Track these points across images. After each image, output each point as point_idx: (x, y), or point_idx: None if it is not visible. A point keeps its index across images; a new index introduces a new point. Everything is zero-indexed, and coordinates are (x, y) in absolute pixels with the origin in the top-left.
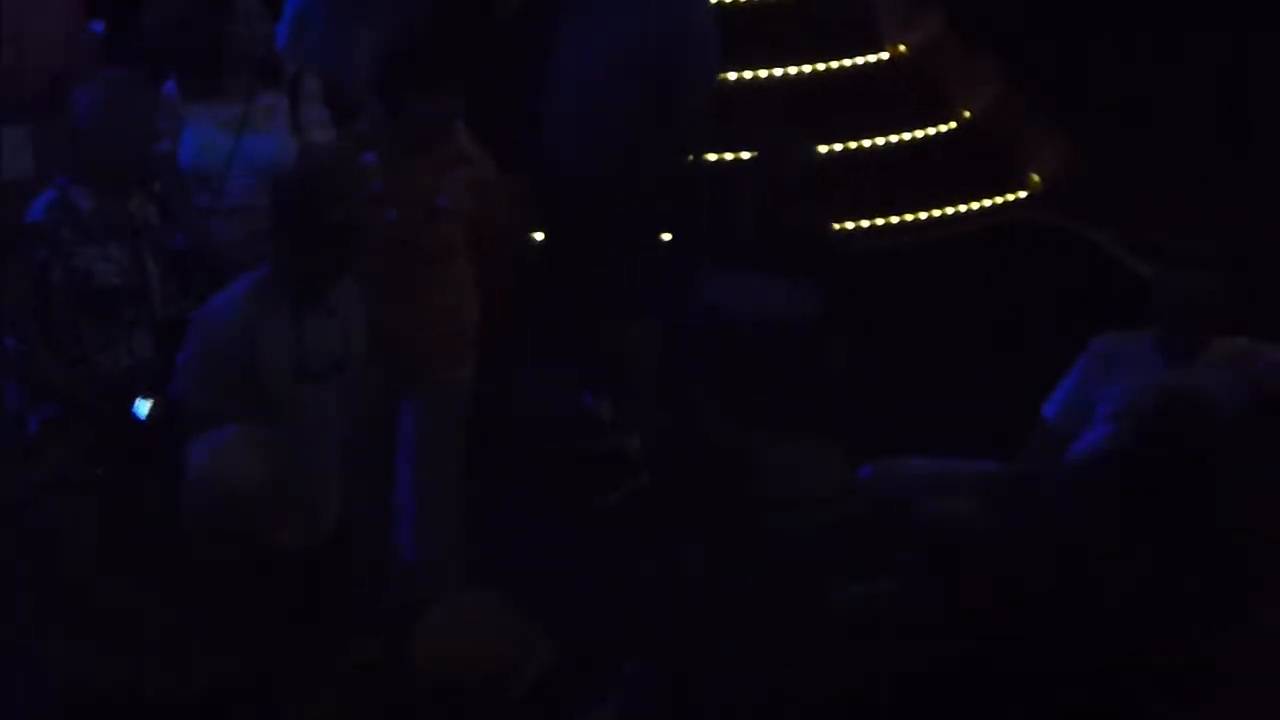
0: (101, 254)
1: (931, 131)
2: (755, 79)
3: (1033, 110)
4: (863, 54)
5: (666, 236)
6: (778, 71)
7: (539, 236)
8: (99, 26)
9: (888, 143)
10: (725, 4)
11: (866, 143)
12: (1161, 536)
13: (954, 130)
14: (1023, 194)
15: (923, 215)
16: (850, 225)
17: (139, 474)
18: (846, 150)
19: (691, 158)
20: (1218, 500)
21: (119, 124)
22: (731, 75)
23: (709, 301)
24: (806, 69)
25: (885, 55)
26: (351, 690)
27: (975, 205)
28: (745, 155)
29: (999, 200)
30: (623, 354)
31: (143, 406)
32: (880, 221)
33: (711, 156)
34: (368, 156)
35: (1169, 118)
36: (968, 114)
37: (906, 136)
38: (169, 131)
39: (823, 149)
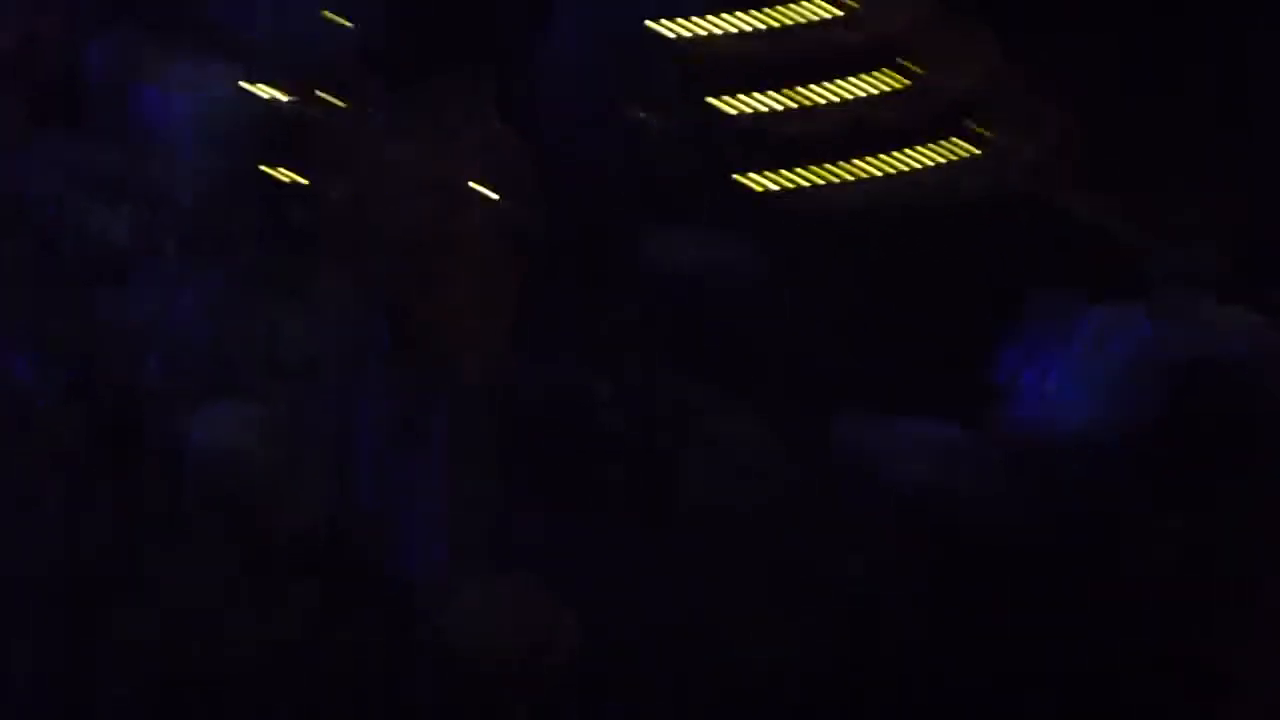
0: (113, 215)
1: (924, 102)
2: (723, 36)
3: (1031, 83)
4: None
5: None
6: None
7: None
8: None
9: (857, 108)
10: None
11: (833, 107)
12: (1190, 507)
13: (948, 101)
14: (1012, 164)
15: (880, 173)
16: (820, 182)
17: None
18: (811, 111)
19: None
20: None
21: (133, 81)
22: (692, 32)
23: (655, 260)
24: (787, 39)
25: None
26: (390, 667)
27: (965, 176)
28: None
29: (985, 167)
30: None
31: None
32: (849, 178)
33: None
34: (390, 150)
35: (1167, 91)
36: (957, 86)
37: (898, 106)
38: (124, 93)
39: (791, 104)
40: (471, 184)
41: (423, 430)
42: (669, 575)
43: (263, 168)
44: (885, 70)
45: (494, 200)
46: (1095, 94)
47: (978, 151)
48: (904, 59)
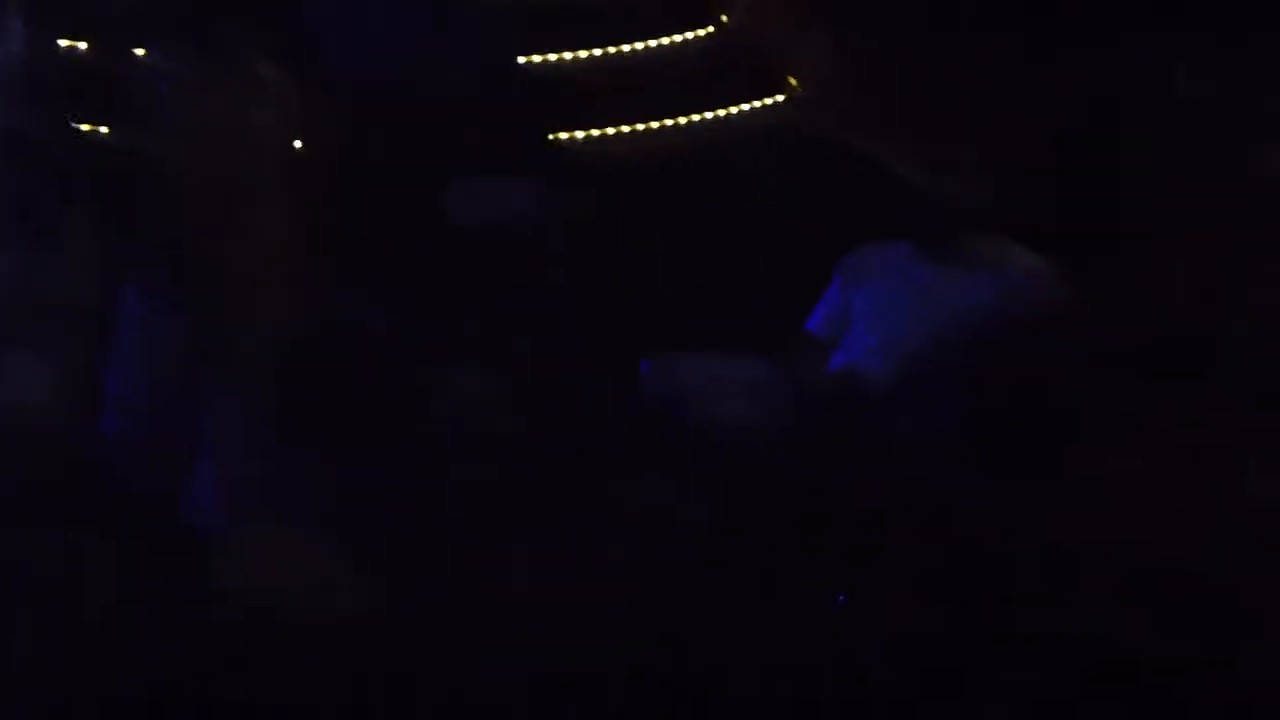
0: None
1: (689, 36)
2: None
3: (802, 15)
4: None
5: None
6: None
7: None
8: None
9: (642, 48)
10: None
11: (619, 49)
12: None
13: (712, 34)
14: (781, 98)
15: (680, 121)
16: (602, 132)
17: None
18: (596, 57)
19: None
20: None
21: None
22: None
23: (444, 206)
24: None
25: None
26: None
27: (733, 110)
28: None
29: (758, 105)
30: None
31: None
32: (638, 128)
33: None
34: (163, 85)
35: (946, 30)
36: (725, 18)
37: (662, 41)
38: None
39: (573, 55)
40: (252, 129)
41: (206, 374)
42: (444, 514)
43: (52, 119)
44: (678, 17)
45: (276, 145)
46: (866, 24)
47: (762, 94)
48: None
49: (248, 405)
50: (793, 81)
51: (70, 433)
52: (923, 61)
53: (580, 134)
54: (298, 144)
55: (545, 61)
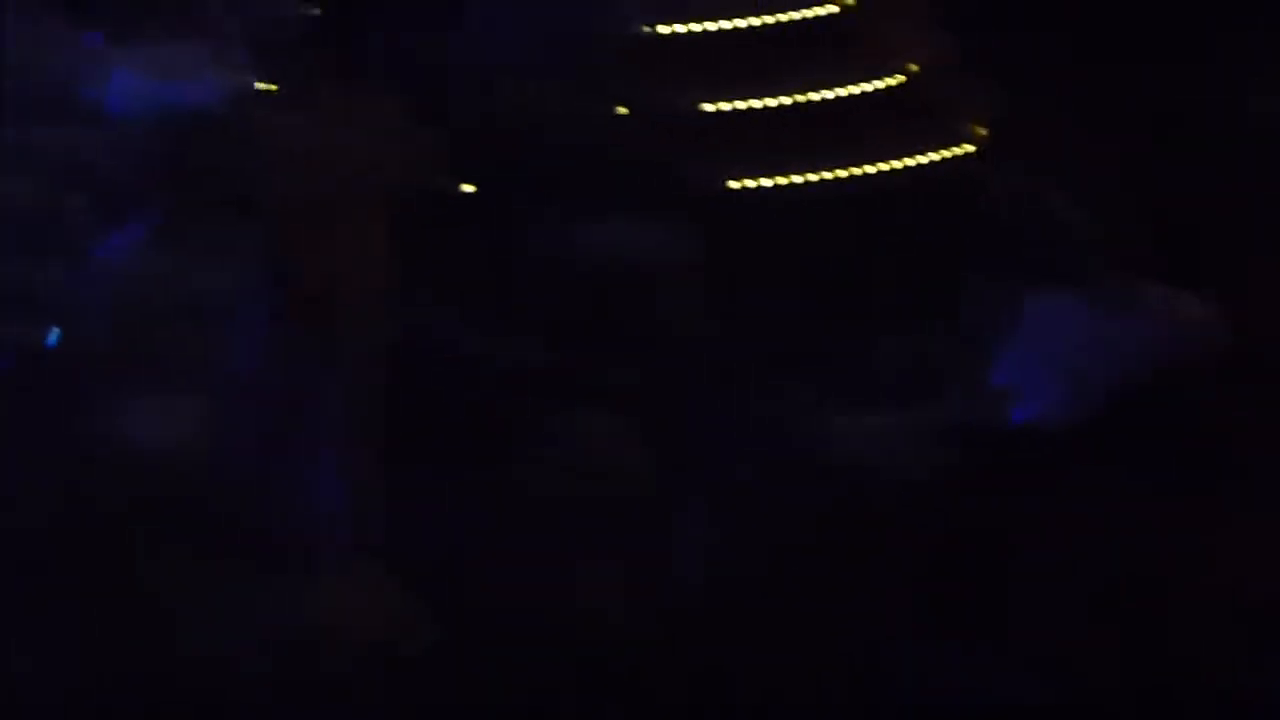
0: (9, 181)
1: (872, 85)
2: (685, 32)
3: (970, 62)
4: (805, 7)
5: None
6: (711, 26)
7: (468, 188)
8: None
9: (824, 98)
10: None
11: (802, 96)
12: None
13: (895, 84)
14: (963, 149)
15: (862, 169)
16: (777, 180)
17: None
18: (781, 104)
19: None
20: None
21: (25, 54)
22: (663, 29)
23: (578, 246)
24: (740, 24)
25: (829, 9)
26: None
27: (915, 160)
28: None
29: (939, 155)
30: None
31: (53, 335)
32: (813, 176)
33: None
34: (283, 116)
35: (1108, 75)
36: (912, 67)
37: (844, 91)
38: (95, 80)
39: (756, 102)
40: (363, 155)
41: (310, 397)
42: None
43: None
44: (835, 54)
45: (388, 171)
46: (1033, 75)
47: (924, 137)
48: (855, 44)
49: (355, 430)
50: (978, 131)
51: (190, 460)
52: (1094, 110)
53: (752, 179)
54: (402, 170)
55: (707, 106)
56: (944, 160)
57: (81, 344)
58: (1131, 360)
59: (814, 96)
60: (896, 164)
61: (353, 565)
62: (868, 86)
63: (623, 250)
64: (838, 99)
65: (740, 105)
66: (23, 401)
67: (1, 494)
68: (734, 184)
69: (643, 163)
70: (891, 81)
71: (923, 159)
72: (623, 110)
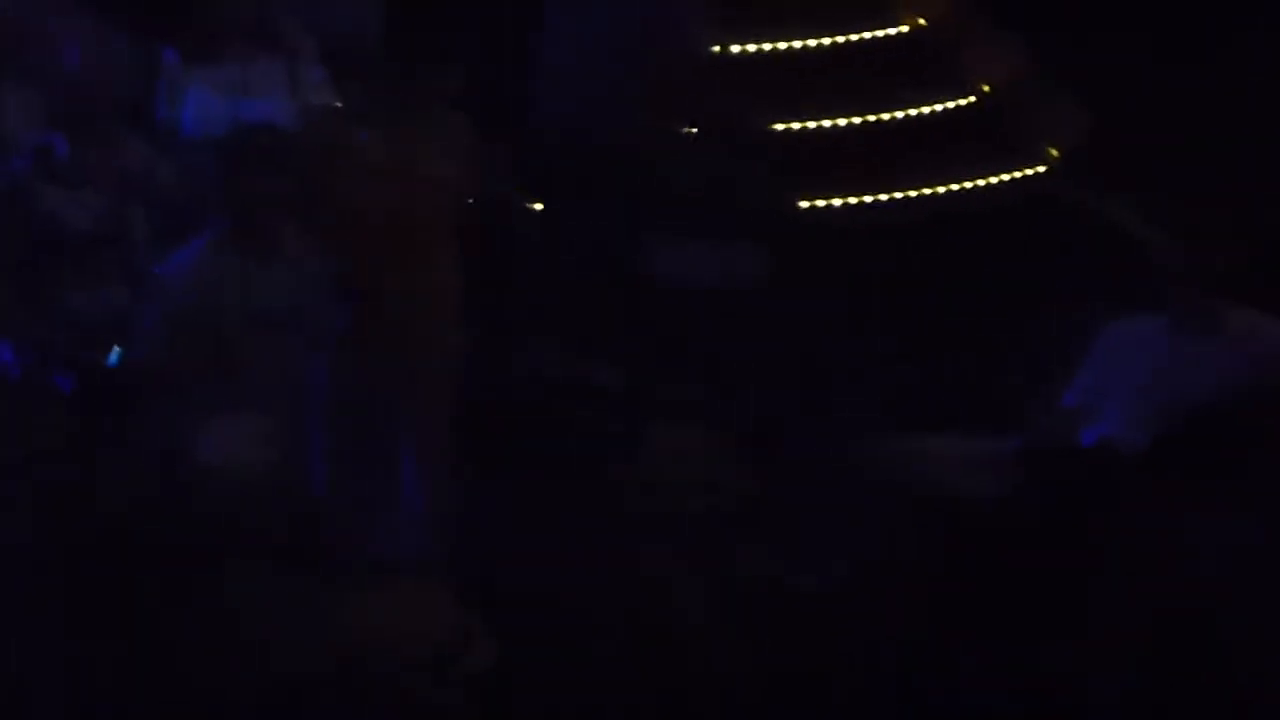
0: (71, 199)
1: (948, 105)
2: (757, 51)
3: (1048, 82)
4: (879, 27)
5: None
6: (783, 45)
7: (537, 205)
8: None
9: (901, 117)
10: None
11: (876, 117)
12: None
13: (972, 104)
14: (1040, 169)
15: (937, 190)
16: (851, 200)
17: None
18: (856, 124)
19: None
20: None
21: (98, 74)
22: (736, 47)
23: (660, 268)
24: (813, 43)
25: (903, 28)
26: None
27: (991, 180)
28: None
29: (1016, 175)
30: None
31: (115, 355)
32: (887, 197)
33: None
34: (358, 134)
35: (1190, 89)
36: (986, 88)
37: (922, 110)
38: (170, 98)
39: (831, 123)
40: (435, 174)
41: (380, 415)
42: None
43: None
44: (907, 73)
45: (461, 189)
46: (1114, 93)
47: (1000, 157)
48: (928, 63)
49: (439, 449)
50: (1053, 151)
51: (273, 479)
52: (1174, 127)
53: (826, 200)
54: (474, 188)
55: (786, 126)
56: (1021, 180)
57: (147, 362)
58: (1212, 384)
59: (886, 116)
60: (972, 184)
61: (421, 578)
62: (942, 106)
63: (693, 270)
64: (911, 118)
65: (811, 125)
66: (87, 421)
67: (69, 511)
68: (806, 204)
69: (714, 183)
70: (966, 100)
71: (999, 179)
72: (694, 130)
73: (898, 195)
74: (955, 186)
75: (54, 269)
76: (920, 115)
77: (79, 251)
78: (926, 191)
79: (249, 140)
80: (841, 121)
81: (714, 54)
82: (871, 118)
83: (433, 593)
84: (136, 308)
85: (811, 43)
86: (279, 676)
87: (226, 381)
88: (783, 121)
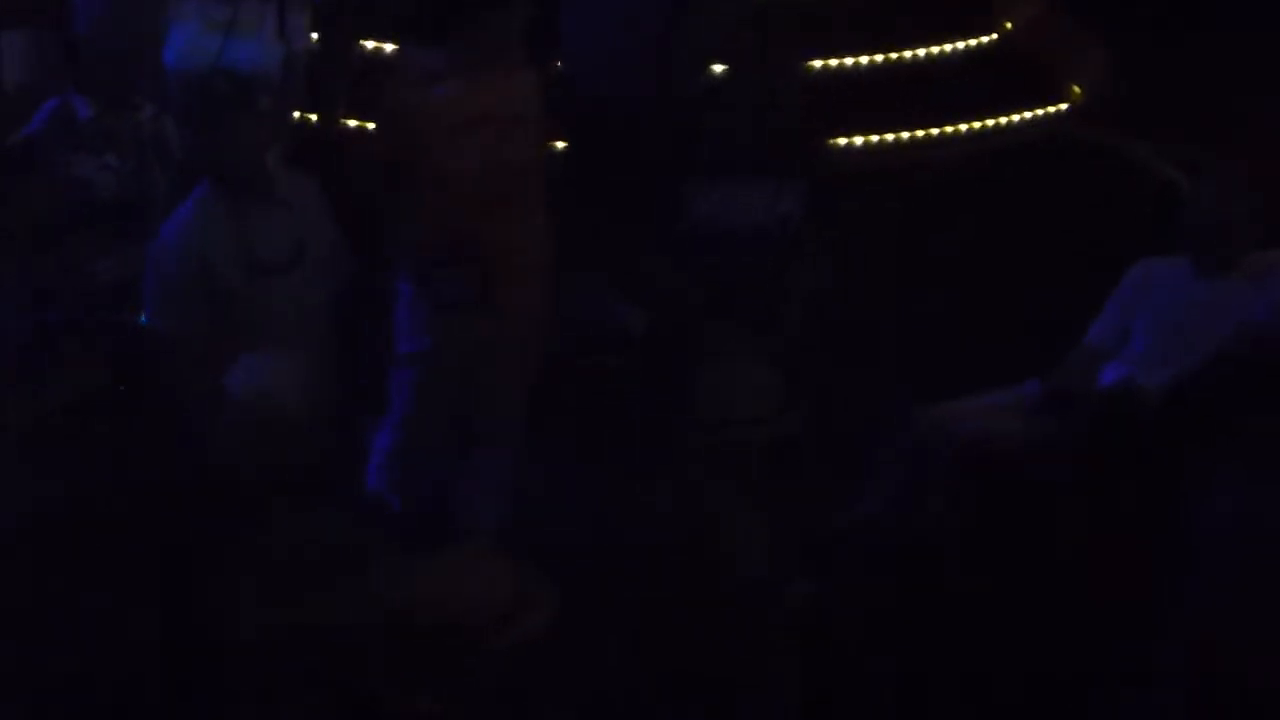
0: (99, 164)
1: (970, 44)
2: None
3: (1073, 21)
4: None
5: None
6: None
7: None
8: None
9: (923, 55)
10: None
11: (899, 55)
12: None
13: (994, 42)
14: (1062, 107)
15: (960, 129)
16: (873, 139)
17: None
18: (878, 63)
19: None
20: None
21: (119, 30)
22: None
23: (696, 208)
24: None
25: None
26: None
27: (1013, 119)
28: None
29: (1037, 114)
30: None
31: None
32: (910, 135)
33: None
34: (440, 90)
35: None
36: (1009, 25)
37: (944, 48)
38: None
39: (854, 61)
40: (508, 122)
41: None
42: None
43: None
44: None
45: (538, 136)
46: (1138, 29)
47: (1043, 103)
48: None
49: (514, 407)
50: (1075, 89)
51: (321, 431)
52: (1200, 68)
53: (851, 139)
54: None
55: (817, 66)
56: (1043, 118)
57: (164, 319)
58: (1232, 325)
59: (909, 55)
60: (993, 123)
61: (481, 540)
62: (964, 44)
63: (726, 211)
64: (933, 56)
65: (834, 63)
66: (127, 379)
67: (118, 472)
68: (837, 144)
69: (754, 126)
70: (988, 39)
71: (1021, 117)
72: (733, 73)
73: (919, 134)
74: (976, 125)
75: (84, 232)
76: (942, 53)
77: (105, 214)
78: (948, 130)
79: (233, 81)
80: (864, 60)
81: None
82: (894, 56)
83: (492, 554)
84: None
85: None
86: (329, 630)
87: (242, 330)
88: (811, 60)
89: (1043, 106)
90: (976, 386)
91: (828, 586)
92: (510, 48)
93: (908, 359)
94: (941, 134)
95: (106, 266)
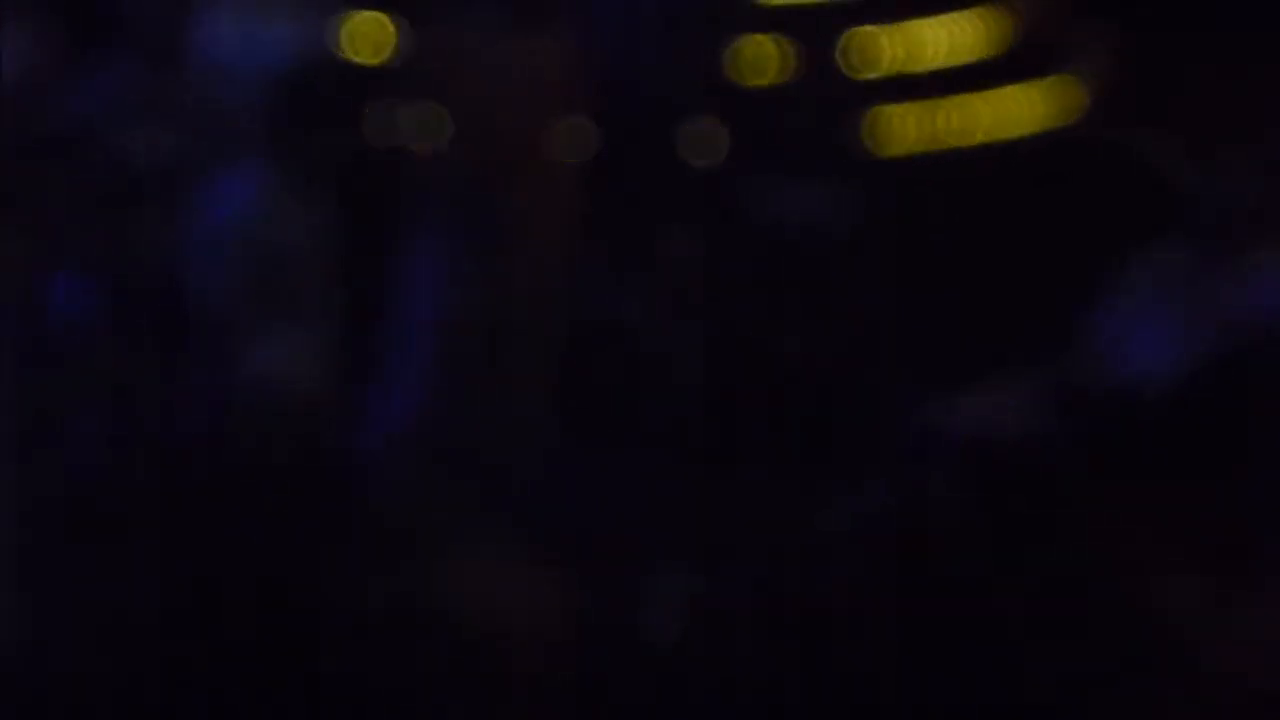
0: (144, 136)
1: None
2: None
3: (1079, 14)
4: None
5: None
6: None
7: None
8: None
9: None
10: None
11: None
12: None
13: (1004, 33)
14: (1072, 101)
15: (967, 127)
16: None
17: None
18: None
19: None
20: None
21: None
22: None
23: (745, 207)
24: None
25: None
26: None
27: (1021, 115)
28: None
29: (1047, 107)
30: (675, 260)
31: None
32: (915, 132)
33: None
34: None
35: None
36: (1016, 21)
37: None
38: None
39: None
40: (532, 92)
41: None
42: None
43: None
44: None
45: (553, 111)
46: (1146, 24)
47: (1031, 87)
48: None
49: (531, 395)
50: (1082, 85)
51: (324, 412)
52: (1203, 56)
53: (869, 135)
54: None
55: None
56: (1055, 112)
57: (210, 291)
58: (1241, 319)
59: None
60: (1001, 120)
61: (529, 539)
62: (971, 38)
63: (791, 211)
64: (939, 52)
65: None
66: (173, 350)
67: (144, 450)
68: (851, 139)
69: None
70: (995, 34)
71: (1032, 110)
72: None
73: (926, 130)
74: (989, 119)
75: (130, 204)
76: (950, 47)
77: (151, 186)
78: (955, 127)
79: (297, 71)
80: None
81: None
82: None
83: (525, 552)
84: (195, 240)
85: None
86: (359, 616)
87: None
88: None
89: (1054, 99)
90: (979, 383)
91: (825, 582)
92: (524, 29)
93: (909, 355)
94: (944, 130)
95: (149, 237)
